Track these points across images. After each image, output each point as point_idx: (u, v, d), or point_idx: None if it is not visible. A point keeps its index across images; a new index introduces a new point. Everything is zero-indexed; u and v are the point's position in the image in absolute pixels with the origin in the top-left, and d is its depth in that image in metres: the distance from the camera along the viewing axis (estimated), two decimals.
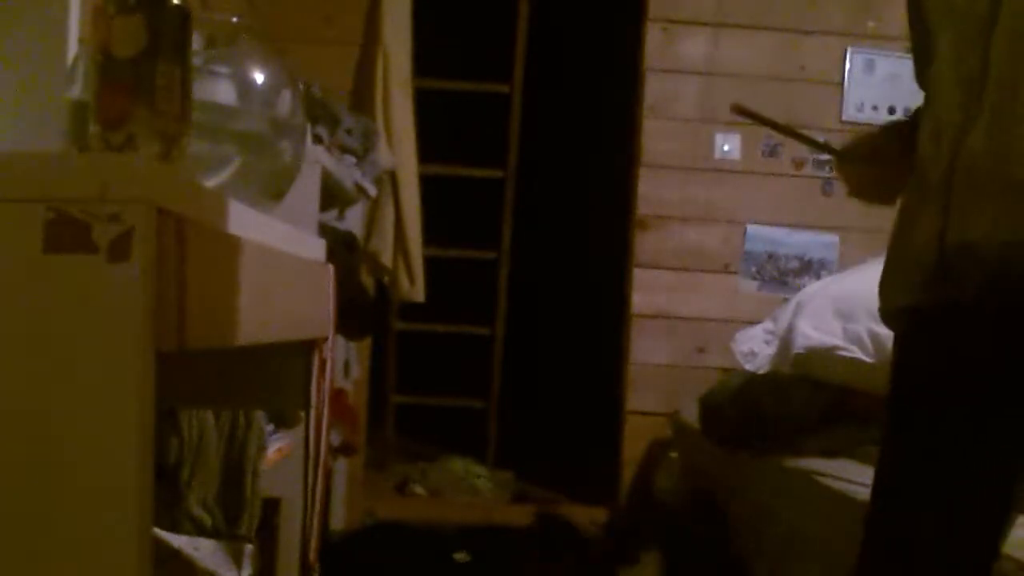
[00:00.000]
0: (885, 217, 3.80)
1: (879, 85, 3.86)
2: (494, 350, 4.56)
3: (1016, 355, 1.21)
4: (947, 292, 1.23)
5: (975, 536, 1.27)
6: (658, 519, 3.45)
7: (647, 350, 3.87)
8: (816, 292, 3.05)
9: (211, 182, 1.17)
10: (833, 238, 3.83)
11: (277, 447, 2.09)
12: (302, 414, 1.53)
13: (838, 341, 2.77)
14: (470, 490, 4.14)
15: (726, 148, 3.84)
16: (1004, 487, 1.25)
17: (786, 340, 2.90)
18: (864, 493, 2.17)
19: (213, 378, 1.47)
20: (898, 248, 1.35)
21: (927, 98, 1.33)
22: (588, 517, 3.85)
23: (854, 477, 2.32)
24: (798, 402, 2.74)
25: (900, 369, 1.36)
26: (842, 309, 2.84)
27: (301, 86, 1.42)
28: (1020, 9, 1.18)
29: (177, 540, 1.75)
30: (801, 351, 2.81)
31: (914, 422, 1.32)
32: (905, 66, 3.99)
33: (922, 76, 1.41)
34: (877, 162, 1.42)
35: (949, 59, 1.26)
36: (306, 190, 2.17)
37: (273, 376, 1.51)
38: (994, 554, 1.27)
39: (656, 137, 3.86)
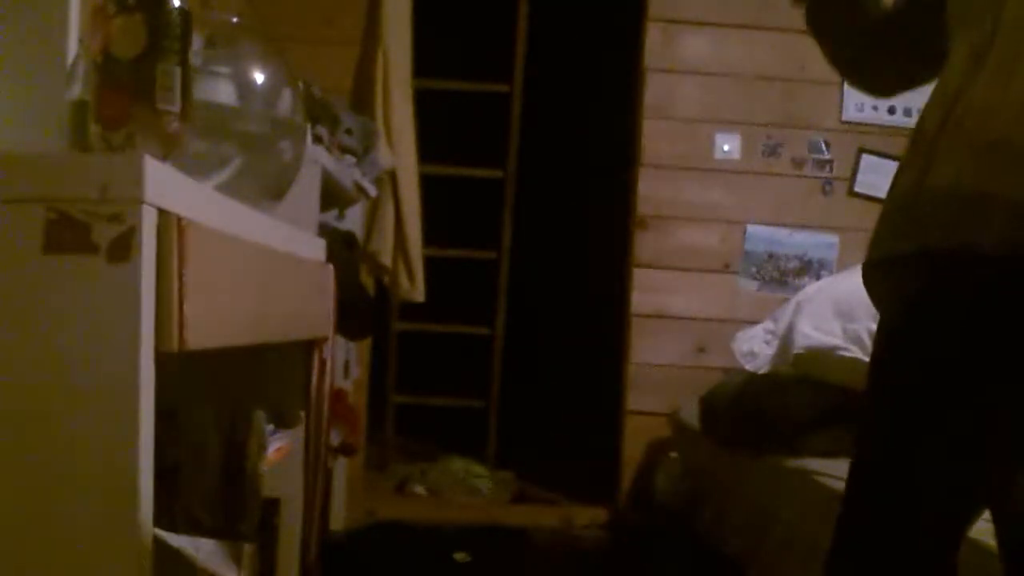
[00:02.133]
0: None
1: None
2: (494, 350, 4.56)
3: (975, 305, 1.21)
4: (915, 238, 1.25)
5: (944, 524, 1.27)
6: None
7: (647, 350, 3.87)
8: (816, 292, 3.05)
9: (211, 182, 1.18)
10: (833, 238, 3.83)
11: (277, 447, 2.09)
12: (302, 414, 1.53)
13: (838, 341, 2.77)
14: (470, 490, 4.14)
15: (726, 148, 3.84)
16: (973, 456, 1.25)
17: (786, 340, 2.90)
18: None
19: (213, 378, 1.47)
20: (886, 202, 1.37)
21: (944, 69, 1.35)
22: (588, 517, 3.85)
23: None
24: (798, 402, 2.75)
25: (881, 324, 1.35)
26: (842, 309, 2.85)
27: (301, 86, 1.42)
28: None
29: (177, 540, 1.74)
30: (801, 351, 2.81)
31: (894, 386, 1.31)
32: None
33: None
34: None
35: (965, 28, 1.29)
36: (306, 190, 2.17)
37: (273, 376, 1.51)
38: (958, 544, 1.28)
39: (656, 137, 3.86)
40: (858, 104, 3.84)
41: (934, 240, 1.22)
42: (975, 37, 1.27)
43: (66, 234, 0.80)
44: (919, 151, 1.29)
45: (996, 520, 1.28)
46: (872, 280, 1.40)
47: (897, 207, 1.31)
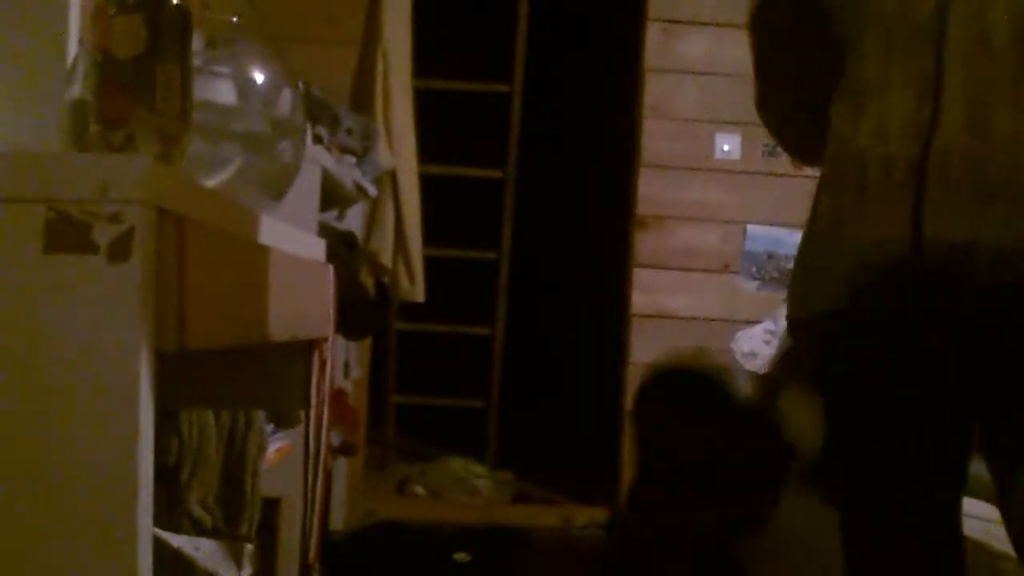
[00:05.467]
0: None
1: None
2: (494, 350, 4.56)
3: (963, 349, 1.25)
4: (918, 295, 1.24)
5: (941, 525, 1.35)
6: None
7: (647, 350, 3.87)
8: None
9: (211, 182, 1.17)
10: None
11: (277, 447, 2.09)
12: (302, 414, 1.53)
13: None
14: (470, 490, 4.14)
15: (726, 148, 3.84)
16: (959, 471, 1.35)
17: (786, 340, 2.90)
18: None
19: (213, 378, 1.47)
20: (830, 251, 1.34)
21: (858, 95, 1.33)
22: (588, 517, 3.85)
23: None
24: None
25: (840, 370, 1.38)
26: None
27: (301, 86, 1.42)
28: (972, 13, 1.21)
29: (177, 540, 1.74)
30: None
31: (868, 419, 1.36)
32: None
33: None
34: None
35: (893, 60, 1.27)
36: (306, 190, 2.17)
37: (273, 376, 1.50)
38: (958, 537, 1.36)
39: (656, 137, 3.86)
40: None
41: (946, 292, 1.22)
42: (912, 70, 1.25)
43: (66, 234, 0.80)
44: (885, 199, 1.26)
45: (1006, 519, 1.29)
46: (810, 325, 1.39)
47: (866, 261, 1.27)
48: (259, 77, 1.28)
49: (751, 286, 3.84)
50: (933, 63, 1.23)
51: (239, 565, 1.86)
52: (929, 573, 1.35)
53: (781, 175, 3.86)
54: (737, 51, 3.83)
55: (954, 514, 1.36)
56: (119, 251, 0.80)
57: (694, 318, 3.86)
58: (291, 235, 1.30)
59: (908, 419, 1.32)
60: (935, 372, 1.28)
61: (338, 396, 2.76)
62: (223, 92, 1.23)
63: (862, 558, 1.39)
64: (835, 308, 1.33)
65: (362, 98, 3.17)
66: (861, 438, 1.38)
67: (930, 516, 1.35)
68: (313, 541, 1.52)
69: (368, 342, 3.65)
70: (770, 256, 3.83)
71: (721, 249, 3.86)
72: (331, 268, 1.52)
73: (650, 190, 3.86)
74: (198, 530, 1.79)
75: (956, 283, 1.22)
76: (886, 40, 1.27)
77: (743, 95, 3.88)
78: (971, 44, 1.20)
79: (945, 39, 1.22)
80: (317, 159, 2.32)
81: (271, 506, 2.07)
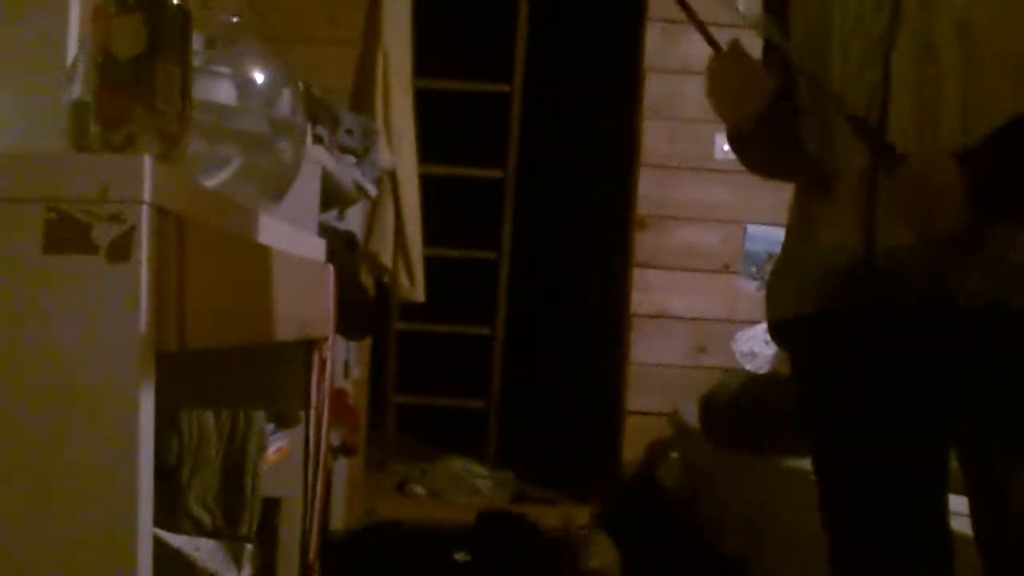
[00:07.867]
0: None
1: None
2: (494, 350, 4.56)
3: (931, 348, 1.29)
4: (874, 295, 1.29)
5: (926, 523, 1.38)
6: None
7: (647, 350, 3.87)
8: None
9: (211, 182, 1.18)
10: None
11: (277, 447, 2.09)
12: (302, 414, 1.53)
13: None
14: (470, 490, 4.14)
15: (726, 148, 3.84)
16: (937, 468, 1.37)
17: None
18: None
19: (213, 378, 1.47)
20: (798, 254, 1.41)
21: (821, 112, 1.37)
22: (588, 517, 3.85)
23: None
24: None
25: (813, 371, 1.44)
26: None
27: (301, 86, 1.42)
28: (920, 26, 1.24)
29: (177, 540, 1.74)
30: None
31: (845, 419, 1.40)
32: None
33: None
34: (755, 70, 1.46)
35: (848, 75, 1.31)
36: (306, 190, 2.17)
37: (273, 376, 1.51)
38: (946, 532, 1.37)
39: (656, 137, 3.86)
40: None
41: (902, 295, 1.27)
42: (865, 76, 1.29)
43: (66, 234, 0.80)
44: (842, 206, 1.31)
45: (985, 517, 1.30)
46: (786, 327, 1.45)
47: (831, 265, 1.33)
48: (259, 77, 1.28)
49: (751, 286, 3.84)
50: (881, 74, 1.27)
51: (239, 565, 1.86)
52: (919, 570, 1.36)
53: None
54: None
55: (939, 510, 1.37)
56: (119, 251, 0.80)
57: (694, 318, 3.86)
58: (291, 235, 1.31)
59: (875, 419, 1.36)
60: (897, 375, 1.32)
61: (338, 396, 2.76)
62: (223, 92, 1.23)
63: (847, 557, 1.40)
64: (797, 312, 1.40)
65: (362, 98, 3.18)
66: (835, 439, 1.41)
67: (914, 513, 1.37)
68: (313, 541, 1.52)
69: (368, 342, 3.65)
70: (770, 256, 3.83)
71: (721, 249, 3.86)
72: (331, 268, 1.52)
73: (650, 190, 3.86)
74: (198, 530, 1.79)
75: (906, 286, 1.27)
76: (844, 55, 1.31)
77: None
78: (917, 57, 1.23)
79: (892, 52, 1.25)
80: (317, 159, 2.32)
81: (271, 506, 2.07)
